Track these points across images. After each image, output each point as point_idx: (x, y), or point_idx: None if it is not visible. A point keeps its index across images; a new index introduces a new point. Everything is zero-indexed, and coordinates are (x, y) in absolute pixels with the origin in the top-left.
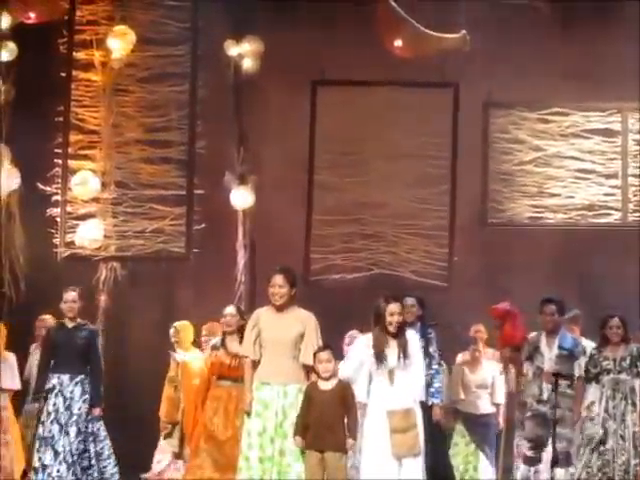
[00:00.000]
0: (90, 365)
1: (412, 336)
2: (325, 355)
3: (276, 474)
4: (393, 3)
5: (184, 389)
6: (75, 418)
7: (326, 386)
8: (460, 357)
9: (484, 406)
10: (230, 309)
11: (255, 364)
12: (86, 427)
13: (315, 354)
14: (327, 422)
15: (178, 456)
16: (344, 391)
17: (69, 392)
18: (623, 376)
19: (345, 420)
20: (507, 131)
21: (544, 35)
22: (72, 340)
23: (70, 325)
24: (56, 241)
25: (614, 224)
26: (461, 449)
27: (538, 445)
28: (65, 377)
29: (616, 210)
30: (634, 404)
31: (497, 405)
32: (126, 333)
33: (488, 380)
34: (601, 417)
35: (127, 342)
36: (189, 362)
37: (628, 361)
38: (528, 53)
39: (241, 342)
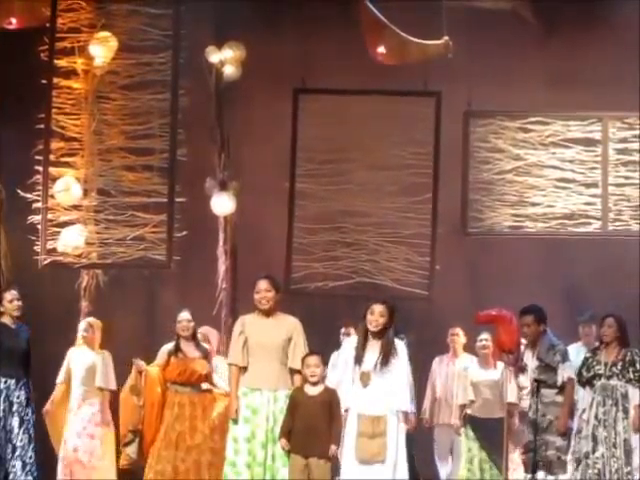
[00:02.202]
0: (29, 368)
1: (397, 345)
2: (313, 360)
3: (269, 478)
4: (376, 11)
5: (147, 397)
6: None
7: (313, 391)
8: (435, 362)
9: (495, 410)
10: (185, 314)
11: (240, 371)
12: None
13: (303, 359)
14: (312, 428)
15: (135, 464)
16: (330, 397)
17: (16, 397)
18: (613, 381)
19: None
20: (487, 140)
21: (525, 43)
22: (17, 342)
23: (13, 326)
24: (37, 248)
25: (594, 233)
26: (475, 454)
27: (529, 450)
28: (12, 381)
29: (596, 219)
30: (626, 411)
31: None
32: (107, 340)
33: (499, 381)
34: (591, 424)
35: (108, 349)
36: (151, 370)
37: (620, 366)
38: (509, 61)
39: (196, 347)
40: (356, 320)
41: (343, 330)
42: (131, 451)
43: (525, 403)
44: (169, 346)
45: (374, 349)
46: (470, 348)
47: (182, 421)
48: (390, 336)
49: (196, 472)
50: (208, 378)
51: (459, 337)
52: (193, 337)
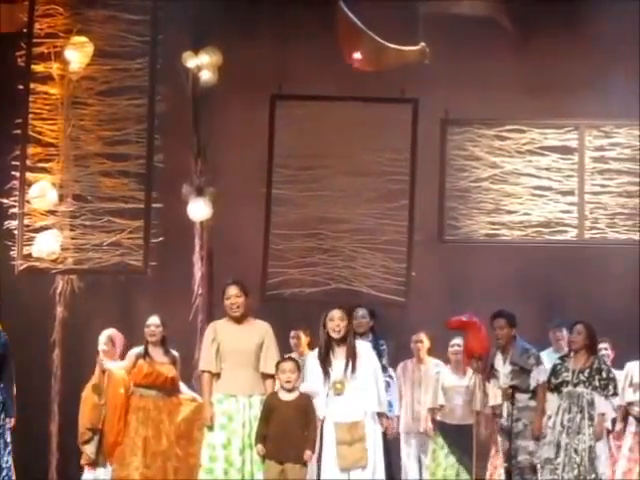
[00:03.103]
0: (6, 373)
1: (363, 347)
2: (288, 366)
3: None
4: (352, 16)
5: (109, 397)
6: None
7: (287, 397)
8: (399, 368)
9: (466, 416)
10: (154, 319)
11: (212, 378)
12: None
13: (278, 364)
14: (287, 433)
15: (93, 464)
16: (305, 402)
17: None
18: (580, 389)
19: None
20: (464, 148)
21: (502, 51)
22: None
23: None
24: (13, 254)
25: (571, 241)
26: (440, 462)
27: (508, 458)
28: None
29: (573, 227)
30: (592, 418)
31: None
32: (83, 345)
33: (469, 386)
34: (556, 430)
35: (84, 355)
36: (116, 371)
37: (587, 373)
38: (486, 69)
39: (165, 353)
40: (308, 324)
41: (292, 333)
42: (90, 450)
43: (488, 410)
44: (138, 350)
45: (341, 356)
46: (437, 353)
47: (147, 426)
48: (352, 340)
49: (162, 479)
50: (174, 382)
51: (423, 343)
52: (162, 343)
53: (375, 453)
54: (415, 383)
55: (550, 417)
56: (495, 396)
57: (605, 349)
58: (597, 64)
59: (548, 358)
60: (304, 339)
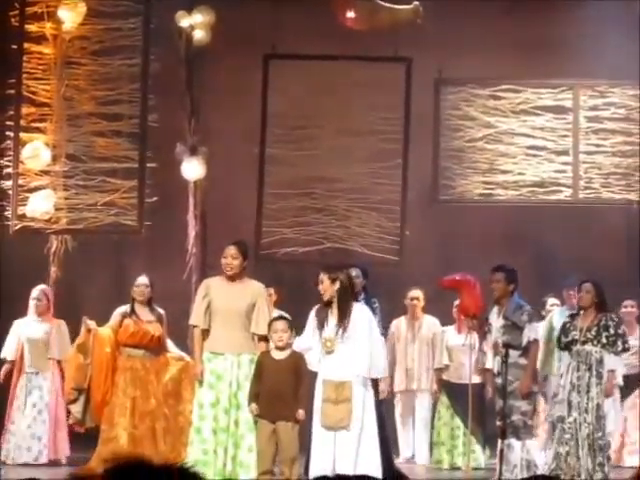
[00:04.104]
0: None
1: (357, 309)
2: (280, 325)
3: (231, 445)
4: None
5: (95, 357)
6: None
7: (279, 356)
8: (393, 326)
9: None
10: (143, 279)
11: (203, 334)
12: None
13: (270, 323)
14: (279, 392)
15: (80, 423)
16: (297, 361)
17: None
18: (588, 347)
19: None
20: (458, 107)
21: (496, 10)
22: None
23: None
24: (8, 214)
25: (565, 201)
26: (446, 422)
27: (502, 417)
28: None
29: (567, 187)
30: (600, 376)
31: (485, 371)
32: (76, 306)
33: (465, 345)
34: (566, 389)
35: (78, 314)
36: (101, 330)
37: (594, 331)
38: (479, 29)
39: (151, 312)
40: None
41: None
42: (76, 410)
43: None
44: (123, 309)
45: (334, 315)
46: (431, 311)
47: (135, 386)
48: (345, 301)
49: (151, 439)
50: (161, 341)
51: (419, 300)
52: (149, 302)
53: (364, 417)
54: (409, 340)
55: (561, 376)
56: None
57: (632, 306)
58: (592, 24)
59: (561, 316)
60: (273, 297)
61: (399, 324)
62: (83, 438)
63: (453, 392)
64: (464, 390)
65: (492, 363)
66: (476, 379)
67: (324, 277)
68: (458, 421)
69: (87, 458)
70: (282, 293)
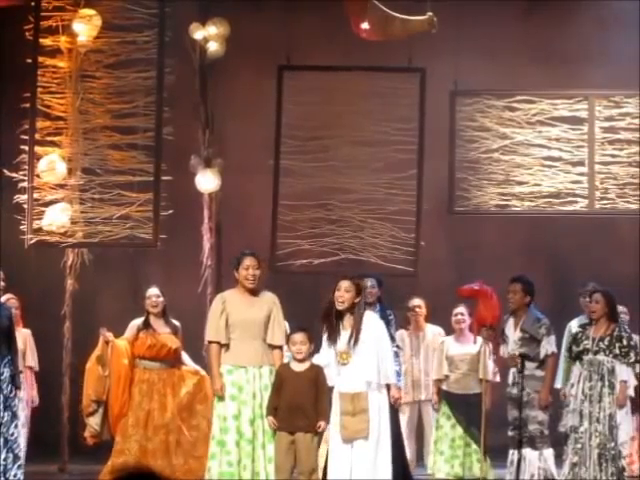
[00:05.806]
0: (12, 346)
1: (370, 318)
2: (299, 337)
3: (258, 454)
4: None
5: (113, 369)
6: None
7: (299, 368)
8: (397, 335)
9: (471, 385)
10: (154, 290)
11: (221, 349)
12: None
13: (289, 335)
14: (299, 404)
15: (97, 436)
16: (317, 373)
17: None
18: (600, 357)
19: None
20: (474, 119)
21: (511, 21)
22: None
23: None
24: (23, 228)
25: (581, 211)
26: (447, 432)
27: (516, 427)
28: None
29: (583, 198)
30: (612, 386)
31: (486, 382)
32: (93, 318)
33: (476, 356)
34: (578, 399)
35: (95, 326)
36: (119, 342)
37: (607, 341)
38: (494, 40)
39: (166, 323)
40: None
41: None
42: (94, 422)
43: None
44: (138, 321)
45: (348, 327)
46: (443, 323)
47: (151, 399)
48: (358, 312)
49: (164, 452)
50: (177, 353)
51: (421, 309)
52: (163, 313)
53: (380, 425)
54: (413, 351)
55: (573, 385)
56: (490, 369)
57: (625, 314)
58: (607, 33)
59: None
60: None
61: (402, 337)
62: (96, 450)
63: (454, 402)
64: (465, 400)
65: (491, 375)
66: (476, 389)
67: (349, 285)
68: (460, 431)
69: (99, 470)
70: None
